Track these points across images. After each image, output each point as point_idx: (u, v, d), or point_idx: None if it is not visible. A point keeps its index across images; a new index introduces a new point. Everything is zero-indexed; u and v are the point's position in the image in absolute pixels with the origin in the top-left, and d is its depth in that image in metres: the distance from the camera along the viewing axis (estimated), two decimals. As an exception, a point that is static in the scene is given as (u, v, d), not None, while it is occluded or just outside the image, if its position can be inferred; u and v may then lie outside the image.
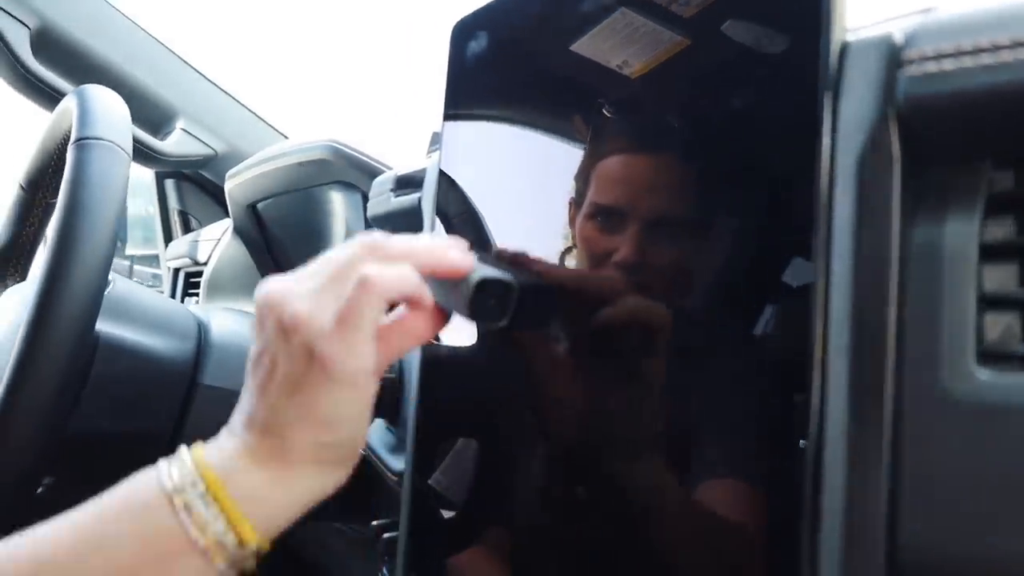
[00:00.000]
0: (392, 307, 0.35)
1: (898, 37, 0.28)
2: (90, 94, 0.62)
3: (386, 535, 0.55)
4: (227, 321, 0.82)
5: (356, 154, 0.82)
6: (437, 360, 0.49)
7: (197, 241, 1.27)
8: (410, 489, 0.48)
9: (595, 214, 0.39)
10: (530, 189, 0.45)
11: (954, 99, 0.26)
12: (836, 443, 0.27)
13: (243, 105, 1.35)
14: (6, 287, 0.83)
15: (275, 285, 0.34)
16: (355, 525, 0.81)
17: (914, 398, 0.27)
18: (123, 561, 0.32)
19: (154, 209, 1.51)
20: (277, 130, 1.37)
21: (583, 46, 0.40)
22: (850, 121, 0.28)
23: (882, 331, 0.27)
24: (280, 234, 1.08)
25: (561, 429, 0.40)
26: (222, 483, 0.33)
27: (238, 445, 0.34)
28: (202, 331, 0.77)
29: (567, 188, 0.41)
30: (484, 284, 0.35)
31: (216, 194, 1.43)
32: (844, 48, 0.29)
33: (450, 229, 0.49)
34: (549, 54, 0.44)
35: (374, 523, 0.58)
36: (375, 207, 0.67)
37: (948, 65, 0.26)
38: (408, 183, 0.62)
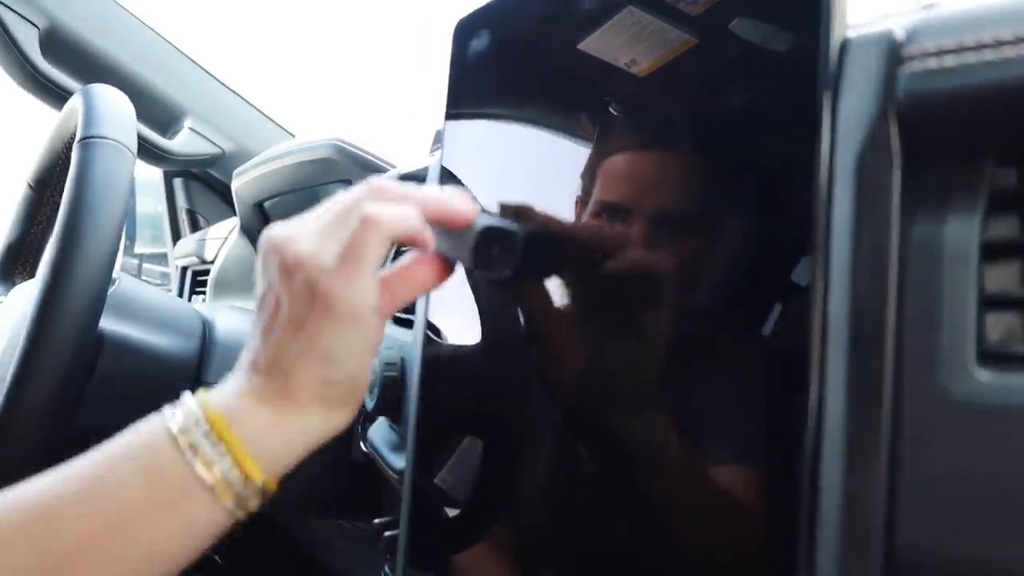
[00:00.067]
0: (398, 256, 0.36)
1: (899, 33, 0.28)
2: (95, 93, 0.63)
3: (387, 533, 0.55)
4: (232, 319, 0.82)
5: (360, 153, 0.83)
6: (438, 359, 0.49)
7: (204, 240, 1.27)
8: (410, 487, 0.48)
9: (601, 211, 0.39)
10: (532, 187, 0.45)
11: (955, 96, 0.26)
12: (834, 442, 0.27)
13: (250, 104, 1.36)
14: (15, 284, 0.83)
15: (280, 228, 0.35)
16: (360, 523, 0.81)
17: (913, 398, 0.26)
18: (130, 502, 0.32)
19: (163, 208, 1.52)
20: (284, 129, 1.38)
21: (591, 44, 0.40)
22: (850, 118, 0.28)
23: (881, 330, 0.27)
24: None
25: (563, 384, 0.40)
26: (227, 422, 0.33)
27: (243, 385, 0.35)
28: (207, 329, 0.77)
29: (569, 186, 0.41)
30: (488, 232, 0.35)
31: (224, 193, 1.44)
32: (845, 45, 0.29)
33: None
34: (552, 52, 0.44)
35: (376, 521, 0.58)
36: (379, 205, 0.67)
37: (949, 61, 0.26)
38: (412, 177, 0.63)
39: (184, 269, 1.37)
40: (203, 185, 1.46)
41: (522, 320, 0.41)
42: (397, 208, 0.34)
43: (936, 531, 0.25)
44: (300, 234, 0.34)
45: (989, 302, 0.26)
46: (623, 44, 0.38)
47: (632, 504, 0.36)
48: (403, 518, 0.49)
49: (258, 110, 1.36)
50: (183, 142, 1.30)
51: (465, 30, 0.50)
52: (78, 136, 0.59)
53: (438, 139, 0.73)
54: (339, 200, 0.35)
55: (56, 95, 1.16)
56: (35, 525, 0.31)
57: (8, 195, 0.90)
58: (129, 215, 1.81)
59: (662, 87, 0.37)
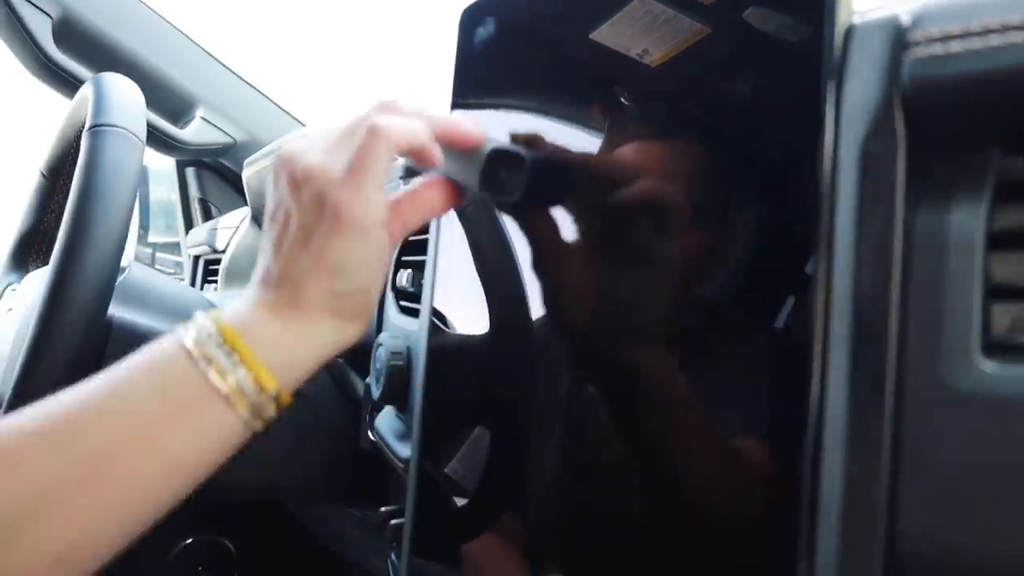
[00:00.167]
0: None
1: (904, 19, 0.27)
2: (105, 82, 0.63)
3: (393, 521, 0.56)
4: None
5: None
6: (443, 348, 0.49)
7: (216, 229, 1.28)
8: (416, 476, 0.49)
9: None
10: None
11: (961, 82, 0.25)
12: (835, 432, 0.27)
13: (262, 93, 1.36)
14: (29, 271, 0.84)
15: (291, 143, 0.35)
16: (369, 511, 0.82)
17: (917, 388, 0.26)
18: (148, 414, 0.32)
19: (176, 197, 1.53)
20: (295, 118, 1.38)
21: (603, 34, 0.40)
22: (854, 105, 0.28)
23: (884, 319, 0.27)
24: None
25: (569, 314, 0.40)
26: (239, 334, 0.34)
27: (254, 299, 0.35)
28: (217, 317, 0.78)
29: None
30: (497, 154, 0.35)
31: (235, 182, 1.44)
32: (850, 31, 0.28)
33: (459, 216, 0.49)
34: (560, 41, 0.43)
35: (382, 509, 0.58)
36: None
37: (955, 47, 0.26)
38: (417, 171, 0.62)
39: (196, 258, 1.38)
40: (215, 175, 1.47)
41: (530, 250, 0.41)
42: (405, 120, 0.34)
43: (939, 520, 0.25)
44: (310, 147, 0.35)
45: (995, 292, 0.26)
46: (635, 34, 0.37)
47: (632, 441, 0.36)
48: (408, 507, 0.49)
49: (269, 100, 1.36)
50: (195, 131, 1.30)
51: (472, 17, 0.49)
52: (87, 124, 0.59)
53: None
54: (349, 115, 0.35)
55: (69, 84, 1.17)
56: (60, 434, 0.32)
57: (22, 184, 0.90)
58: (143, 204, 1.83)
59: (672, 77, 0.37)
